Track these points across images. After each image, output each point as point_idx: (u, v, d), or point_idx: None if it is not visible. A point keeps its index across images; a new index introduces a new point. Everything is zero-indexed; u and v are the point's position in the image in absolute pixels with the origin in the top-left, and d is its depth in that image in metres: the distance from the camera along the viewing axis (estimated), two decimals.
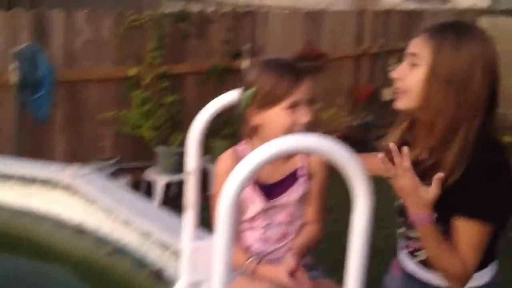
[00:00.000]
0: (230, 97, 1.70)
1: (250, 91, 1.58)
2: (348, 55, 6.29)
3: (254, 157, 1.14)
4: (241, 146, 1.72)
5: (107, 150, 4.57)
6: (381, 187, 1.55)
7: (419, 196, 1.42)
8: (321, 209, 1.79)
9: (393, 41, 6.49)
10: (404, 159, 1.43)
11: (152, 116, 4.69)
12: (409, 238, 1.63)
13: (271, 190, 1.68)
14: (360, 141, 6.47)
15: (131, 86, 4.66)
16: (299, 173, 1.71)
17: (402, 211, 1.60)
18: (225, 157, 1.71)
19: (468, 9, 7.69)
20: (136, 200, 2.72)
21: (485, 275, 1.56)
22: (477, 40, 1.44)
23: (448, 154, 1.42)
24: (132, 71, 4.61)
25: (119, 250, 2.55)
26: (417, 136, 1.53)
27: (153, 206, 2.63)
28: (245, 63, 5.04)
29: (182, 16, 4.86)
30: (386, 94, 6.36)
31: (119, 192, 2.80)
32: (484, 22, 7.13)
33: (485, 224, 1.42)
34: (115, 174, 4.55)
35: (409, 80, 1.46)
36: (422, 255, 1.59)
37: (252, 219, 1.70)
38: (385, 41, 6.35)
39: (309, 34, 5.83)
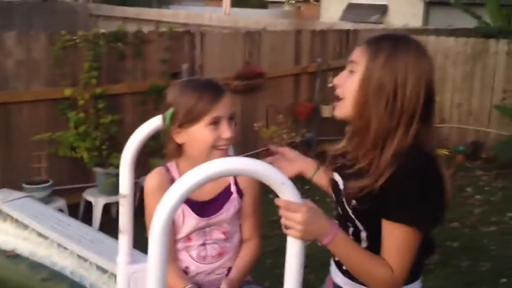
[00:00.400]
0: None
1: (169, 111, 1.60)
2: (287, 74, 6.40)
3: (185, 181, 1.15)
4: (169, 164, 1.72)
5: (43, 172, 4.44)
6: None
7: (314, 224, 1.34)
8: (257, 225, 1.80)
9: (330, 60, 6.66)
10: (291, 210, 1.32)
11: (89, 137, 4.61)
12: None
13: (204, 207, 1.68)
14: None
15: (66, 107, 4.57)
16: (231, 190, 1.73)
17: (338, 217, 1.62)
18: (153, 176, 1.71)
19: (401, 29, 8.00)
20: (71, 223, 2.65)
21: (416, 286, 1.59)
22: (412, 52, 1.46)
23: (379, 161, 1.43)
24: (67, 92, 4.52)
25: (55, 275, 2.47)
26: (353, 143, 1.54)
27: (89, 229, 2.57)
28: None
29: (118, 36, 4.82)
30: (326, 111, 6.50)
31: (53, 215, 2.72)
32: None
33: (411, 228, 1.41)
34: (51, 196, 4.43)
35: (346, 86, 1.49)
36: None
37: (188, 238, 1.69)
38: (322, 60, 6.50)
39: (248, 53, 5.90)
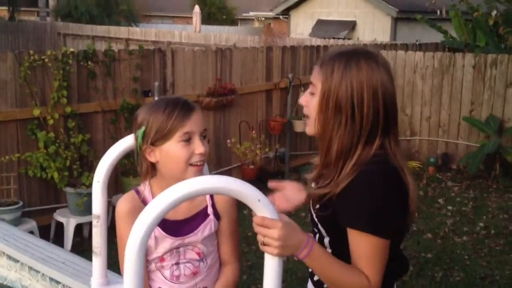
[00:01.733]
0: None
1: (140, 130, 1.59)
2: (259, 90, 6.43)
3: (159, 202, 1.12)
4: (141, 187, 1.69)
5: (13, 194, 4.34)
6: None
7: (291, 240, 1.33)
8: (236, 249, 1.78)
9: (301, 75, 6.72)
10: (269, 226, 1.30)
11: (59, 157, 4.53)
12: None
13: (179, 227, 1.66)
14: (275, 172, 6.58)
15: (36, 127, 4.49)
16: (208, 211, 1.70)
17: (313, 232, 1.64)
18: (125, 201, 1.67)
19: (370, 44, 8.14)
20: (42, 245, 2.58)
21: None
22: (365, 66, 1.47)
23: (341, 172, 1.46)
24: (36, 112, 4.45)
25: None
26: (320, 157, 1.56)
27: (61, 250, 2.51)
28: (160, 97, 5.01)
29: (87, 55, 4.77)
30: (298, 126, 6.54)
31: (23, 237, 2.64)
32: (384, 56, 7.55)
33: (375, 237, 1.41)
34: (21, 218, 4.33)
35: (310, 107, 1.53)
36: (317, 275, 1.58)
37: (161, 258, 1.67)
38: (293, 76, 6.55)
39: (219, 70, 5.91)
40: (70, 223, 4.51)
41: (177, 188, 1.12)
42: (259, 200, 1.19)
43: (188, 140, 1.58)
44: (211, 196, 1.71)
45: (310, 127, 1.55)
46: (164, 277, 1.68)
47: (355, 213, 1.42)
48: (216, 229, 1.71)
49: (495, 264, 4.40)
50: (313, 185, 1.62)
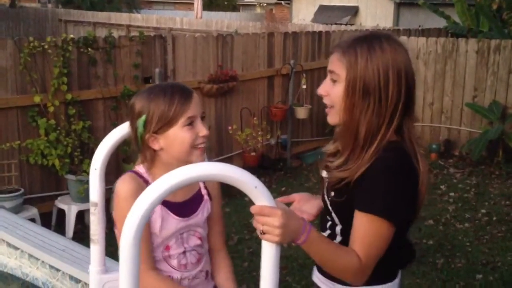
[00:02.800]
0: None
1: (141, 119, 1.59)
2: (261, 76, 6.40)
3: (159, 185, 1.12)
4: (141, 170, 1.68)
5: (14, 181, 4.35)
6: None
7: (291, 227, 1.33)
8: (224, 233, 1.84)
9: (303, 62, 6.68)
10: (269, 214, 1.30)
11: (60, 144, 4.53)
12: None
13: (181, 208, 1.68)
14: (277, 159, 6.58)
15: (36, 114, 4.48)
16: (202, 193, 1.74)
17: (321, 215, 1.65)
18: (127, 182, 1.65)
19: (373, 30, 8.07)
20: (42, 233, 2.59)
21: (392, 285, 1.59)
22: (388, 50, 1.48)
23: (363, 156, 1.47)
24: (37, 99, 4.43)
25: (26, 287, 2.41)
26: (343, 143, 1.56)
27: (61, 238, 2.51)
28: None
29: (87, 42, 4.75)
30: (300, 113, 6.52)
31: (23, 225, 2.65)
32: None
33: (380, 218, 1.43)
34: (23, 205, 4.34)
35: (333, 95, 1.52)
36: None
37: (166, 247, 1.67)
38: (295, 62, 6.51)
39: (221, 56, 5.88)
40: (71, 210, 4.52)
41: (175, 173, 1.12)
42: (255, 187, 1.18)
43: (191, 123, 1.60)
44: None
45: (333, 116, 1.54)
46: (172, 267, 1.69)
47: (368, 197, 1.44)
48: (210, 211, 1.74)
49: (497, 250, 4.40)
50: (324, 173, 1.62)
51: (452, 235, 4.71)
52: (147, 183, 1.63)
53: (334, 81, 1.52)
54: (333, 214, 1.57)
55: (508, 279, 3.95)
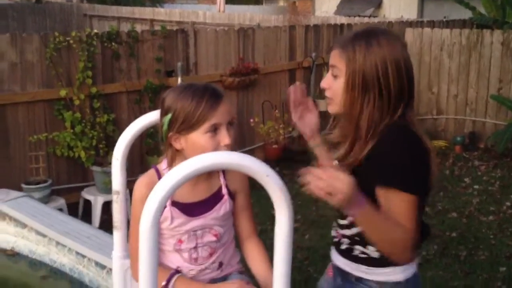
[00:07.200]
0: (153, 116, 1.71)
1: (167, 117, 1.58)
2: (282, 69, 6.41)
3: (173, 175, 1.16)
4: (163, 166, 1.68)
5: (42, 172, 4.46)
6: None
7: (354, 194, 1.39)
8: (254, 221, 1.82)
9: (325, 54, 6.67)
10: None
11: (86, 137, 4.62)
12: (339, 226, 1.70)
13: (194, 208, 1.67)
14: (298, 152, 6.58)
15: (62, 107, 4.58)
16: (222, 192, 1.71)
17: None
18: (142, 184, 1.65)
19: (396, 22, 8.01)
20: (69, 221, 2.66)
21: (411, 266, 1.63)
22: (384, 42, 1.54)
23: (368, 143, 1.53)
24: (63, 92, 4.53)
25: (54, 272, 2.49)
26: (344, 135, 1.63)
27: (86, 226, 2.58)
28: (180, 81, 5.05)
29: (111, 36, 4.82)
30: (322, 106, 6.49)
31: (51, 214, 2.73)
32: (410, 33, 7.45)
33: (406, 194, 1.47)
34: (51, 196, 4.44)
35: (334, 89, 1.59)
36: (345, 243, 1.67)
37: (179, 241, 1.68)
38: (316, 55, 6.51)
39: (242, 50, 5.91)
40: (97, 201, 4.61)
41: (188, 163, 1.15)
42: (267, 175, 1.20)
43: (215, 130, 1.56)
44: (224, 177, 1.72)
45: (333, 105, 1.62)
46: (183, 259, 1.70)
47: (384, 171, 1.49)
48: (231, 208, 1.72)
49: None
50: (335, 162, 1.65)
51: (475, 228, 4.67)
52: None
53: (335, 76, 1.58)
54: None
55: None
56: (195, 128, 1.55)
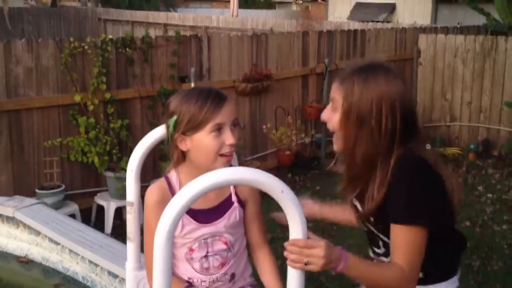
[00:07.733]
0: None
1: (172, 119, 1.63)
2: (295, 75, 6.41)
3: (187, 192, 1.16)
4: (170, 174, 1.72)
5: (55, 177, 4.49)
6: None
7: (332, 256, 1.40)
8: (264, 229, 1.82)
9: (338, 60, 6.65)
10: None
11: (99, 142, 4.65)
12: (374, 254, 1.73)
13: (204, 215, 1.69)
14: (311, 158, 6.58)
15: (76, 112, 4.61)
16: (232, 200, 1.73)
17: (368, 235, 1.71)
18: (154, 191, 1.70)
19: (410, 28, 7.98)
20: (82, 229, 2.67)
21: (454, 281, 1.64)
22: (381, 81, 1.54)
23: (370, 184, 1.54)
24: (77, 98, 4.56)
25: (67, 281, 2.50)
26: (348, 171, 1.64)
27: (99, 234, 2.60)
28: (193, 86, 5.07)
29: (125, 42, 4.86)
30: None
31: (64, 221, 2.75)
32: (424, 39, 7.41)
33: (408, 226, 1.48)
34: (64, 201, 4.47)
35: (333, 122, 1.60)
36: None
37: (190, 249, 1.70)
38: (329, 61, 6.50)
39: (255, 55, 5.92)
40: (110, 206, 4.63)
41: (202, 179, 1.16)
42: (282, 191, 1.21)
43: (219, 130, 1.60)
44: (234, 186, 1.74)
45: (336, 142, 1.62)
46: (194, 269, 1.71)
47: (393, 208, 1.50)
48: (241, 217, 1.74)
49: None
50: (357, 203, 1.67)
51: (489, 237, 4.63)
52: (172, 188, 1.67)
53: (334, 109, 1.59)
54: (382, 236, 1.63)
55: None
56: (200, 129, 1.59)
